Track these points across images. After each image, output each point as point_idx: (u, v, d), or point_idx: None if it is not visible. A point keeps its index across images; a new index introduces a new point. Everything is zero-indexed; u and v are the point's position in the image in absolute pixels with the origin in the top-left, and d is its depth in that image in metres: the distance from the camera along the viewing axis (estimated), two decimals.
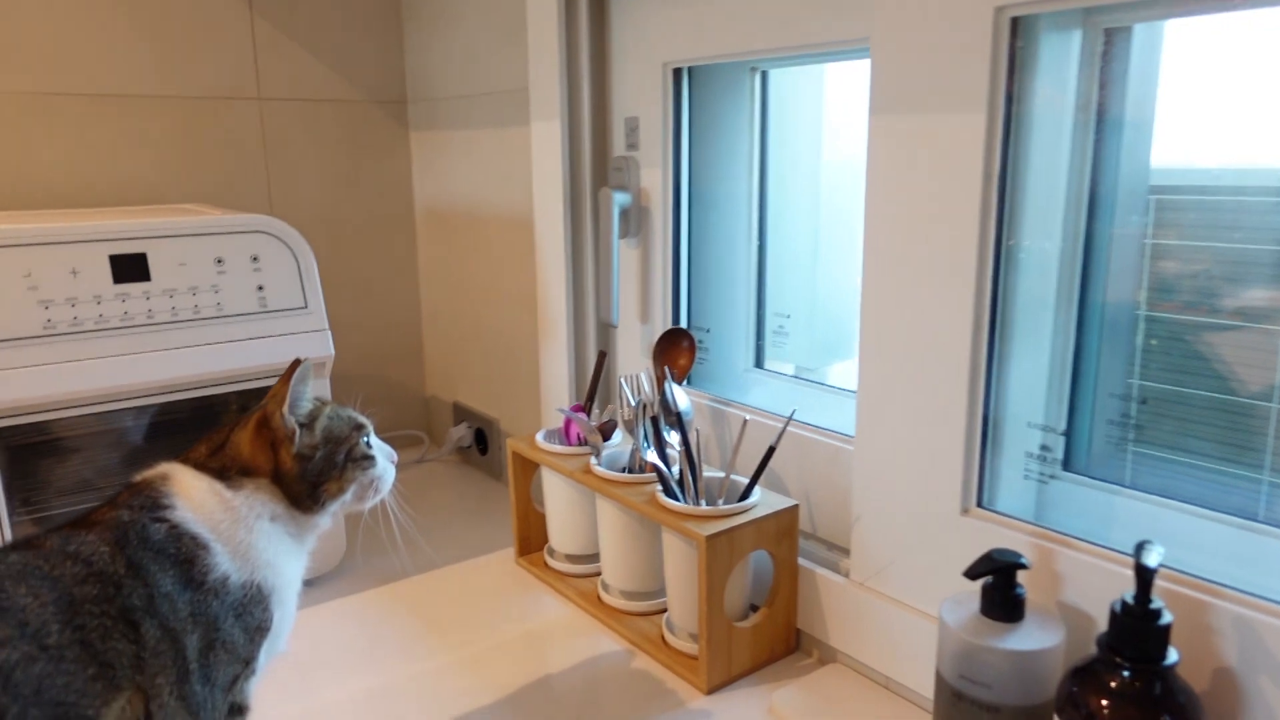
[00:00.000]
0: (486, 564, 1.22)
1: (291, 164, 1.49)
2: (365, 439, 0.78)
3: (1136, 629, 0.59)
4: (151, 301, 1.03)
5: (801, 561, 0.98)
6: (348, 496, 0.76)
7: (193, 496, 0.69)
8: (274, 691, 0.95)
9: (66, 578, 0.60)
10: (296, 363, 0.80)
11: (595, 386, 1.20)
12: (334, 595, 1.16)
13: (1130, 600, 0.60)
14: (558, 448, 1.12)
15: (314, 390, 0.77)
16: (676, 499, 0.98)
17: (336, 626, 1.08)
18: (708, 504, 0.99)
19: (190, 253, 1.06)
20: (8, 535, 0.99)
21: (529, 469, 1.20)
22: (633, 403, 1.07)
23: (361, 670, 0.99)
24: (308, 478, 0.74)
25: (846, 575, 0.95)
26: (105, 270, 1.01)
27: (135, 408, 1.04)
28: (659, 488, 0.99)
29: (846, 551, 0.97)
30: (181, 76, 1.41)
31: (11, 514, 0.99)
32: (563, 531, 1.16)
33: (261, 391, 1.11)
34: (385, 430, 1.67)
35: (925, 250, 0.81)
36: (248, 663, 0.68)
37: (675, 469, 1.01)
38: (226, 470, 0.72)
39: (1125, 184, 0.77)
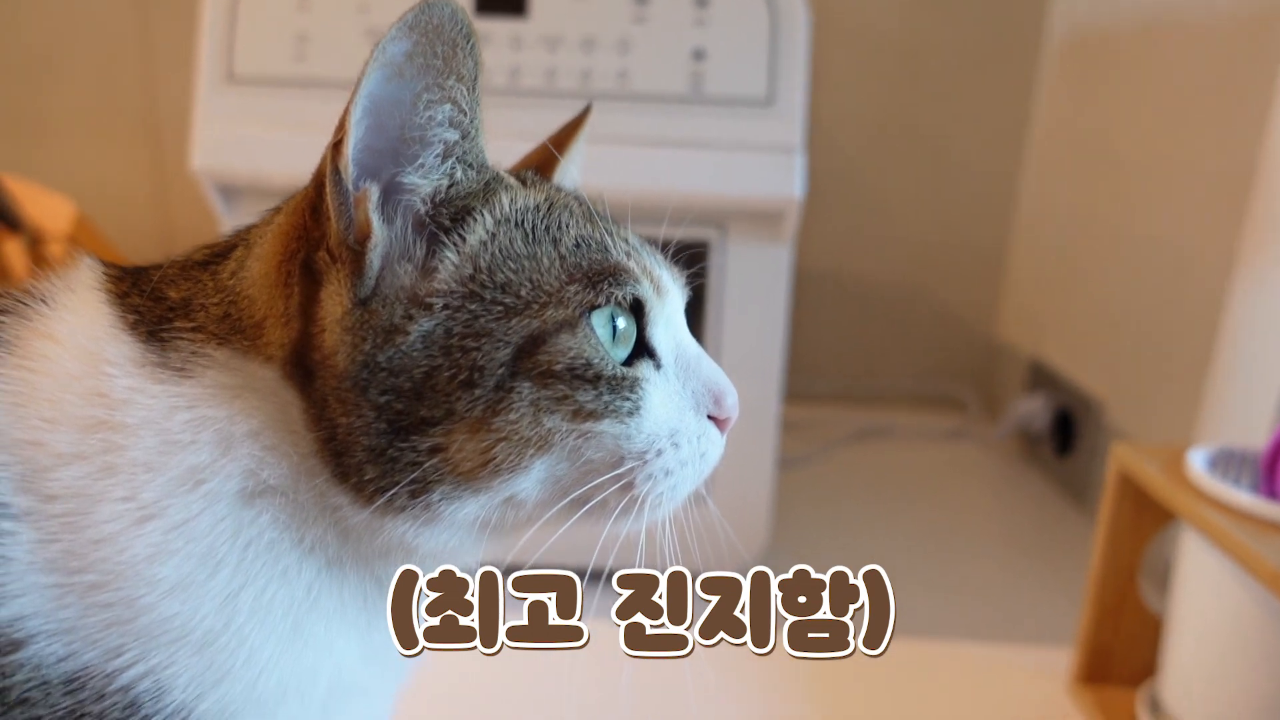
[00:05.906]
0: (1009, 667, 0.66)
1: None
2: (613, 320, 0.28)
3: None
4: (524, 53, 0.62)
5: None
6: (520, 483, 0.28)
7: (43, 365, 0.28)
8: None
9: None
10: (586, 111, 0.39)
11: None
12: None
13: None
14: (1242, 496, 0.48)
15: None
16: None
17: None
18: None
19: None
20: None
21: (1152, 516, 0.57)
22: None
23: None
24: (375, 391, 0.26)
25: None
26: None
27: None
28: None
29: None
30: None
31: None
32: (1205, 680, 0.54)
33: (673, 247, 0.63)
34: (916, 378, 1.11)
35: None
36: None
37: None
38: (178, 313, 0.28)
39: None
